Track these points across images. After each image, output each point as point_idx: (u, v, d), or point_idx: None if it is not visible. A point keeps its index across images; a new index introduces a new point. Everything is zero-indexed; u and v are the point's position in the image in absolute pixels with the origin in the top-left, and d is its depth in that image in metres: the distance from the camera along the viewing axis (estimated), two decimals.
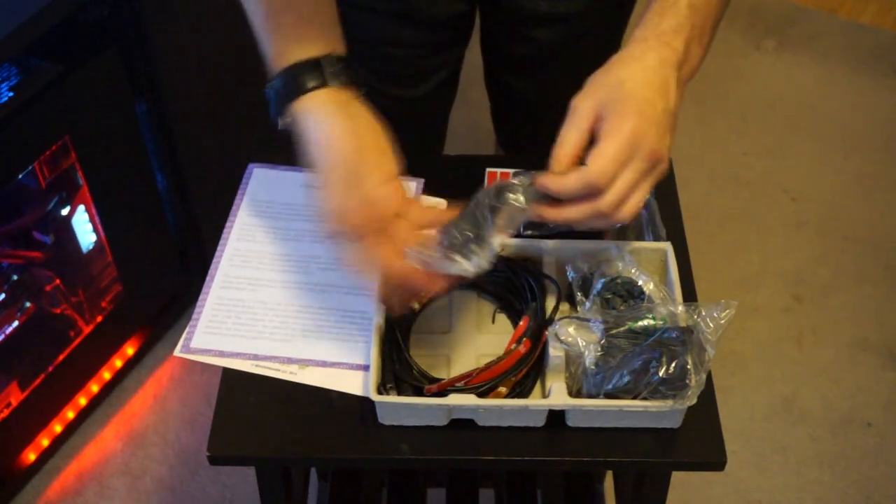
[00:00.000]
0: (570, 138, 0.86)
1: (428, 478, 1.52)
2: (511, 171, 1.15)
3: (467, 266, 0.86)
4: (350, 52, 1.05)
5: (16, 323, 1.62)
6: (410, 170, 1.16)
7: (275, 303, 1.04)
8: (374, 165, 0.90)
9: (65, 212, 1.62)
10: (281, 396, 0.97)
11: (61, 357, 1.70)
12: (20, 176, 1.50)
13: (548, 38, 1.24)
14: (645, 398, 0.90)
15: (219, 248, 1.09)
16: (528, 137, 1.40)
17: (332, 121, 0.91)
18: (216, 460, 0.94)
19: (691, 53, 0.90)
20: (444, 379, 0.94)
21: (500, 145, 1.50)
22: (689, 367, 0.88)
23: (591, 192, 0.84)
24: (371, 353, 0.94)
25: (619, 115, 0.84)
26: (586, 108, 0.86)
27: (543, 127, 1.41)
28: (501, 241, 0.88)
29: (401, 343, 0.97)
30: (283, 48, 0.93)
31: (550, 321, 0.96)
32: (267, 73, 0.94)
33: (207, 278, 1.06)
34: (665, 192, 1.13)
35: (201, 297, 1.05)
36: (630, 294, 0.95)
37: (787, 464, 1.79)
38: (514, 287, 1.03)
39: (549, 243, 1.02)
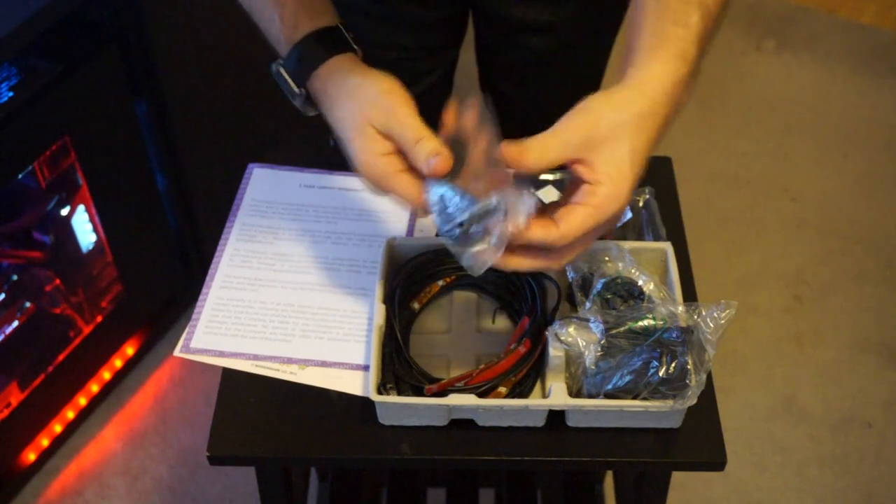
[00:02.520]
0: (543, 158, 0.81)
1: (428, 478, 1.52)
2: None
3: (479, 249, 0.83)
4: None
5: (16, 323, 1.62)
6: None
7: (275, 303, 1.04)
8: (361, 135, 0.88)
9: (65, 212, 1.62)
10: (281, 396, 0.97)
11: (61, 357, 1.70)
12: (20, 176, 1.50)
13: (538, 46, 1.24)
14: (645, 398, 0.90)
15: (219, 248, 1.09)
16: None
17: (353, 86, 0.90)
18: (216, 460, 0.94)
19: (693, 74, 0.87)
20: (444, 379, 0.94)
21: None
22: (689, 367, 0.88)
23: (547, 248, 0.83)
24: (371, 353, 0.94)
25: (598, 177, 0.80)
26: (570, 145, 0.81)
27: (538, 133, 1.41)
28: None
29: (401, 343, 0.97)
30: (298, 20, 0.93)
31: (550, 321, 0.96)
32: (276, 50, 0.94)
33: (207, 278, 1.06)
34: (665, 192, 1.13)
35: (201, 297, 1.05)
36: (630, 294, 0.95)
37: (787, 464, 1.79)
38: (514, 287, 1.03)
39: None
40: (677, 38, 0.83)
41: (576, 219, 0.80)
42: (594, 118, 0.80)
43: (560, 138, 0.81)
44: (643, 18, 0.85)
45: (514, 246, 0.83)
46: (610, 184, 0.79)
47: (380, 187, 0.87)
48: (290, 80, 0.94)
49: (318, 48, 0.92)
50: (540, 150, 0.81)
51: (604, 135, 0.80)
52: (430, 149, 0.84)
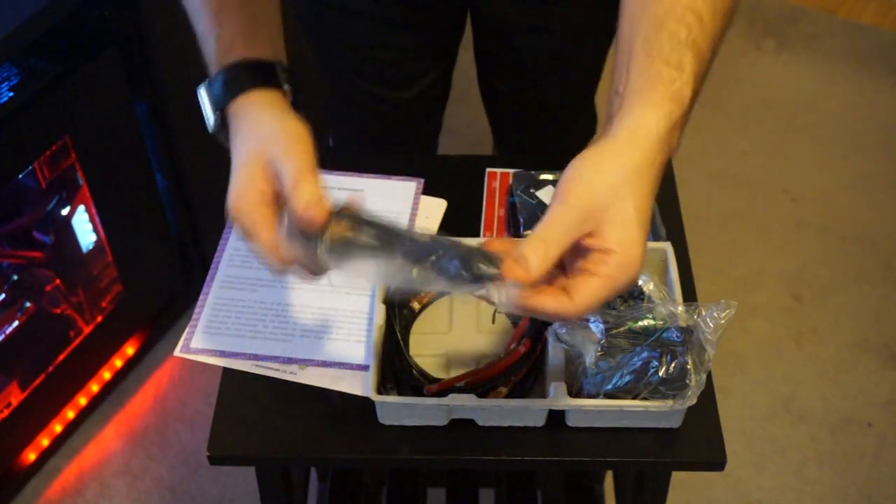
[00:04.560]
0: (548, 259, 0.74)
1: (428, 478, 1.52)
2: (511, 171, 1.15)
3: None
4: (339, 56, 1.05)
5: (16, 323, 1.62)
6: (410, 170, 1.17)
7: (275, 303, 1.04)
8: (244, 166, 0.81)
9: (65, 212, 1.62)
10: (281, 396, 0.97)
11: (61, 357, 1.70)
12: (20, 176, 1.50)
13: (535, 47, 1.24)
14: (645, 398, 0.90)
15: (219, 248, 1.09)
16: (522, 140, 1.41)
17: (262, 121, 0.84)
18: (216, 460, 0.94)
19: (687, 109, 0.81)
20: (444, 379, 0.94)
21: (497, 147, 1.50)
22: (689, 367, 0.88)
23: (562, 318, 0.78)
24: (371, 353, 0.94)
25: (608, 245, 0.74)
26: (572, 227, 0.74)
27: (536, 131, 1.41)
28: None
29: (401, 343, 0.97)
30: (234, 44, 0.88)
31: (550, 321, 0.96)
32: (208, 68, 0.90)
33: (207, 278, 1.06)
34: (665, 192, 1.13)
35: (201, 297, 1.05)
36: (630, 294, 0.95)
37: (787, 464, 1.79)
38: None
39: None
40: (670, 80, 0.77)
41: (590, 291, 0.75)
42: (589, 188, 0.74)
43: (560, 226, 0.74)
44: (631, 60, 0.79)
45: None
46: (622, 251, 0.74)
47: (239, 223, 0.80)
48: (207, 103, 0.89)
49: (245, 76, 0.86)
50: (541, 251, 0.73)
51: (605, 202, 0.74)
52: (310, 193, 0.76)
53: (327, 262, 0.77)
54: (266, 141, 0.80)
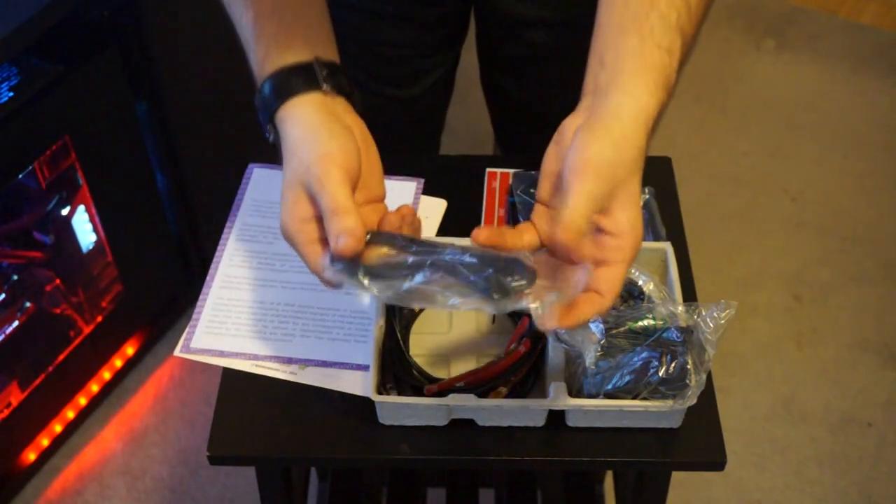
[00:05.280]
0: (582, 226, 0.75)
1: (428, 478, 1.52)
2: (511, 171, 1.15)
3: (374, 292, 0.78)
4: (344, 53, 1.03)
5: (16, 323, 1.62)
6: (410, 170, 1.17)
7: (275, 303, 1.04)
8: (289, 191, 0.82)
9: (65, 212, 1.62)
10: (281, 396, 0.97)
11: (61, 357, 1.70)
12: (20, 176, 1.50)
13: (539, 41, 1.24)
14: (645, 398, 0.90)
15: (219, 248, 1.09)
16: (525, 138, 1.41)
17: (300, 140, 0.84)
18: (216, 460, 0.94)
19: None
20: (444, 379, 0.94)
21: (499, 145, 1.50)
22: (689, 367, 0.88)
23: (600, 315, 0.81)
24: (371, 353, 0.94)
25: (621, 227, 0.77)
26: (599, 199, 0.76)
27: (539, 129, 1.41)
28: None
29: (401, 343, 0.97)
30: (269, 53, 0.89)
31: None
32: (255, 83, 0.90)
33: (207, 278, 1.06)
34: (665, 192, 1.13)
35: (201, 297, 1.05)
36: (630, 294, 0.95)
37: (787, 464, 1.79)
38: None
39: None
40: (663, 66, 0.79)
41: (616, 279, 0.77)
42: (611, 168, 0.76)
43: (590, 202, 0.75)
44: (622, 36, 0.81)
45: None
46: (632, 231, 0.77)
47: (289, 243, 0.83)
48: (261, 118, 0.89)
49: (284, 85, 0.86)
50: (576, 220, 0.74)
51: (621, 180, 0.76)
52: (343, 226, 0.78)
53: (371, 288, 0.78)
54: (303, 165, 0.81)
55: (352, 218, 0.78)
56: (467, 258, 0.78)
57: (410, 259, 0.78)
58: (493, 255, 0.78)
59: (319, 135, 0.83)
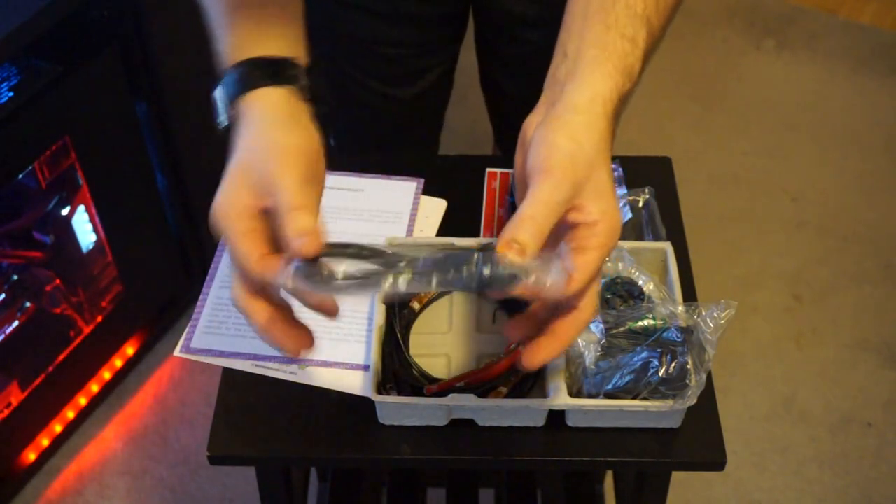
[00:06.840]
0: (542, 233, 0.72)
1: (428, 478, 1.52)
2: (511, 171, 1.15)
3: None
4: (343, 52, 1.04)
5: (16, 323, 1.62)
6: (410, 170, 1.17)
7: None
8: (231, 177, 0.76)
9: (65, 212, 1.62)
10: (281, 396, 0.97)
11: (61, 357, 1.70)
12: (20, 176, 1.50)
13: (538, 40, 1.24)
14: (645, 398, 0.90)
15: (219, 248, 1.09)
16: None
17: (261, 130, 0.79)
18: (216, 460, 0.94)
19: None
20: (444, 379, 0.94)
21: (498, 145, 1.50)
22: (689, 367, 0.88)
23: (563, 306, 0.76)
24: (371, 353, 0.94)
25: (593, 217, 0.73)
26: (561, 203, 0.72)
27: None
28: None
29: (401, 343, 0.97)
30: (244, 41, 0.85)
31: None
32: (218, 70, 0.86)
33: (207, 278, 1.06)
34: (665, 192, 1.13)
35: (201, 297, 1.05)
36: (630, 294, 0.95)
37: (787, 464, 1.79)
38: None
39: None
40: (624, 53, 0.77)
41: (587, 263, 0.73)
42: (573, 163, 0.73)
43: (549, 204, 0.72)
44: (586, 26, 0.79)
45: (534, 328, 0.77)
46: (607, 219, 0.73)
47: (221, 228, 0.75)
48: (219, 104, 0.85)
49: (253, 74, 0.82)
50: (534, 230, 0.71)
51: (585, 177, 0.73)
52: (304, 224, 0.71)
53: (340, 292, 0.73)
54: (261, 154, 0.76)
55: (312, 217, 0.73)
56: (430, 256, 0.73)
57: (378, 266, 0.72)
58: (453, 252, 0.74)
59: (288, 127, 0.79)
